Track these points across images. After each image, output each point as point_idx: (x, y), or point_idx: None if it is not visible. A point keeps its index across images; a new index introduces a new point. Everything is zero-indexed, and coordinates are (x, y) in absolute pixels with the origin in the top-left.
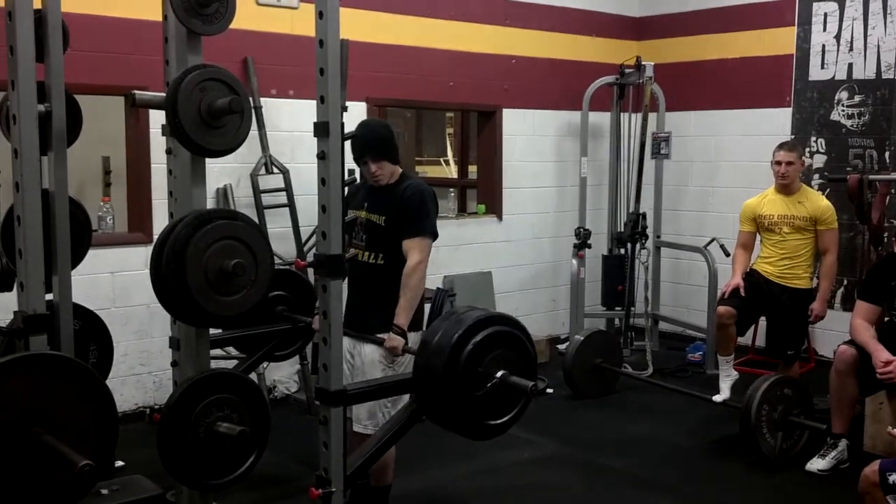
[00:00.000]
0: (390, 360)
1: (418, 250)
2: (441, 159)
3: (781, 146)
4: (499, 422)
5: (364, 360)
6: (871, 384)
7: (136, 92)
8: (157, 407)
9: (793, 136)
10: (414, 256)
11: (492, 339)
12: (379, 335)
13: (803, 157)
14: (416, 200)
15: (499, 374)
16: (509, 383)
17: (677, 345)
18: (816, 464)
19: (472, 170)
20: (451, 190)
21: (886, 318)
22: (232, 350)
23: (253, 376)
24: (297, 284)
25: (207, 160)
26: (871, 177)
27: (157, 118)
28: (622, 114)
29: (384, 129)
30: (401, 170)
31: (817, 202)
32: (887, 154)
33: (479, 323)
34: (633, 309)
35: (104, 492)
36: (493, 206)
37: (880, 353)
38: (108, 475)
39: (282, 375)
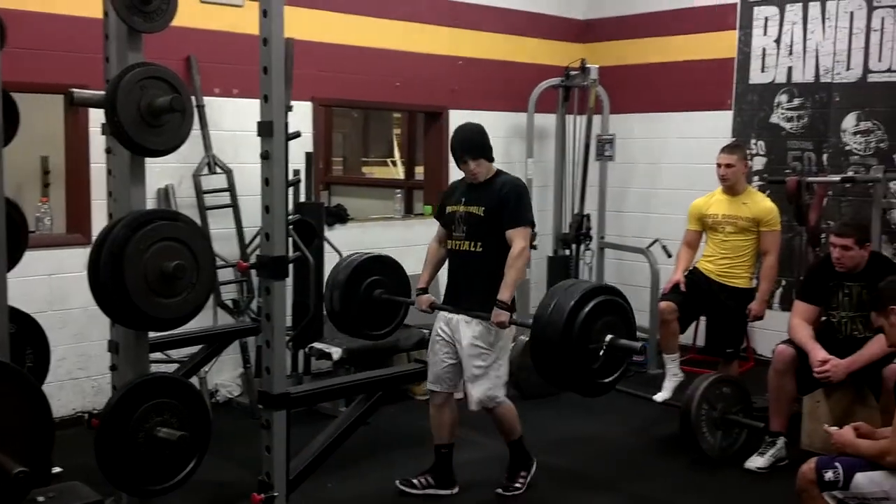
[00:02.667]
0: (490, 344)
1: (521, 237)
2: (388, 160)
3: (723, 149)
4: (609, 380)
5: (464, 347)
6: (809, 383)
7: (74, 90)
8: (95, 412)
9: (733, 139)
10: (518, 243)
11: (599, 308)
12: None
13: (746, 160)
14: (515, 194)
15: (608, 337)
16: (618, 346)
17: None
18: (755, 461)
19: (419, 171)
20: (398, 191)
21: (824, 318)
22: (173, 353)
23: (195, 380)
24: (391, 268)
25: (148, 160)
26: (809, 179)
27: (97, 117)
28: (567, 116)
29: (478, 131)
30: (496, 167)
31: (761, 204)
32: (825, 156)
33: (587, 294)
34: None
35: (40, 499)
36: None
37: (817, 353)
38: (45, 482)
39: (224, 379)
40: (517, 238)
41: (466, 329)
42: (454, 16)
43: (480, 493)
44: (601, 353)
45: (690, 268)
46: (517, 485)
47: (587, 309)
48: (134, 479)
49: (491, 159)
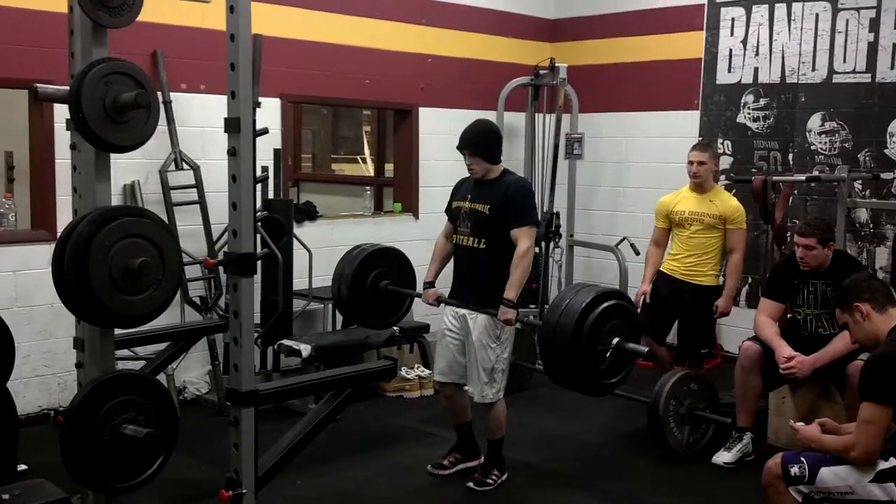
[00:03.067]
0: (496, 338)
1: (526, 237)
2: (358, 157)
3: (695, 147)
4: (614, 380)
5: (474, 340)
6: (775, 379)
7: (38, 85)
8: (61, 409)
9: (701, 139)
10: (524, 242)
11: (608, 312)
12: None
13: (716, 158)
14: (521, 194)
15: (615, 340)
16: (625, 349)
17: None
18: (722, 457)
19: (389, 168)
20: (368, 188)
21: (789, 315)
22: (140, 350)
23: (162, 377)
24: (397, 261)
25: (115, 156)
26: (774, 178)
27: (62, 112)
28: (537, 115)
29: (489, 131)
30: (502, 167)
31: (728, 202)
32: (791, 156)
33: (595, 300)
34: (546, 306)
35: (5, 496)
36: (410, 205)
37: (783, 349)
38: (10, 479)
39: (192, 376)
40: (522, 237)
41: (474, 323)
42: (423, 14)
43: (451, 488)
44: (608, 354)
45: (656, 271)
46: (489, 481)
47: (597, 312)
48: (100, 476)
49: (494, 161)
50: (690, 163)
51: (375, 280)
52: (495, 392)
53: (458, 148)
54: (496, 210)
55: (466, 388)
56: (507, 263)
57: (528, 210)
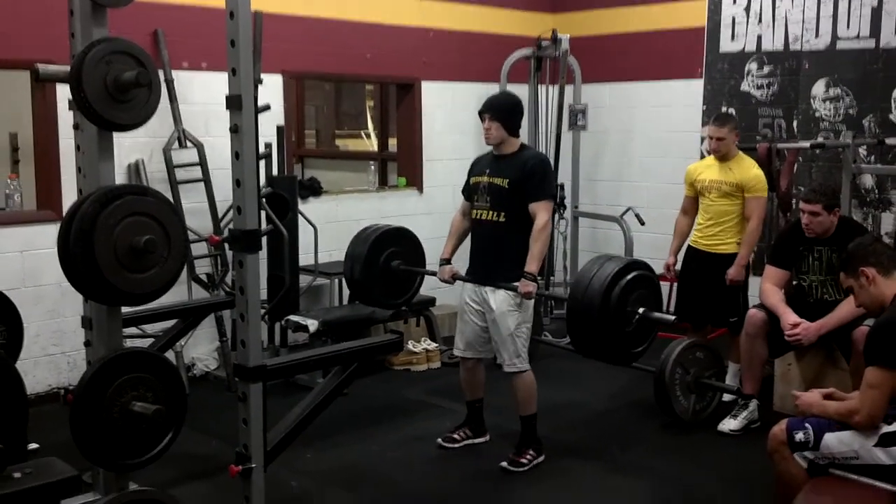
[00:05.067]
0: (517, 305)
1: (545, 211)
2: (361, 132)
3: (713, 121)
4: (640, 349)
5: (496, 310)
6: (780, 346)
7: (39, 65)
8: (71, 388)
9: (705, 108)
10: (542, 216)
11: (632, 283)
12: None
13: (736, 129)
14: (540, 168)
15: (640, 310)
16: (651, 318)
17: None
18: (728, 424)
19: (393, 143)
20: (372, 163)
21: (795, 283)
22: (148, 328)
23: (171, 354)
24: (407, 240)
25: (119, 135)
26: (779, 145)
27: (64, 93)
28: (540, 86)
29: (511, 101)
30: (520, 142)
31: (747, 170)
32: (795, 123)
33: (621, 271)
34: (552, 278)
35: (17, 475)
36: (414, 179)
37: (788, 316)
38: (21, 458)
39: (201, 353)
40: (541, 211)
41: (493, 295)
42: None
43: (460, 460)
44: (634, 321)
45: (686, 242)
46: (523, 461)
47: (623, 282)
48: (110, 453)
49: (510, 129)
50: (710, 138)
51: (387, 260)
52: (521, 358)
53: (479, 112)
54: (515, 184)
55: (498, 361)
56: (526, 236)
57: (547, 184)
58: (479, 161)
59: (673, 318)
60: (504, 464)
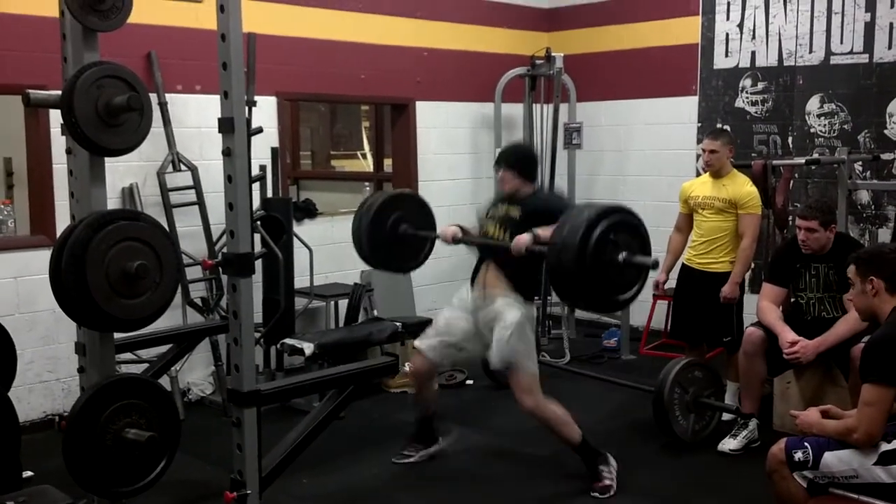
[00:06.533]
0: (521, 303)
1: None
2: (358, 153)
3: (707, 135)
4: (627, 296)
5: (497, 303)
6: (779, 364)
7: (30, 91)
8: (66, 414)
9: (699, 125)
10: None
11: (613, 227)
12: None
13: (731, 144)
14: (556, 200)
15: (622, 254)
16: (632, 263)
17: (593, 332)
18: (728, 444)
19: (389, 163)
20: (367, 184)
21: (792, 300)
22: (143, 353)
23: (166, 380)
24: (412, 203)
25: (113, 159)
26: (774, 162)
27: (58, 117)
28: (534, 105)
29: (526, 152)
30: (536, 187)
31: (741, 187)
32: (790, 139)
33: (599, 215)
34: (549, 298)
35: None
36: None
37: (787, 334)
38: (16, 486)
39: (196, 378)
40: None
41: (493, 299)
42: (418, 7)
43: (459, 482)
44: (618, 264)
45: (679, 260)
46: (607, 481)
47: (603, 226)
48: (103, 481)
49: (527, 176)
50: (704, 151)
51: (394, 225)
52: (515, 366)
53: (494, 164)
54: (528, 214)
55: (492, 367)
56: (532, 262)
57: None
58: (489, 201)
59: (653, 259)
60: (595, 494)
